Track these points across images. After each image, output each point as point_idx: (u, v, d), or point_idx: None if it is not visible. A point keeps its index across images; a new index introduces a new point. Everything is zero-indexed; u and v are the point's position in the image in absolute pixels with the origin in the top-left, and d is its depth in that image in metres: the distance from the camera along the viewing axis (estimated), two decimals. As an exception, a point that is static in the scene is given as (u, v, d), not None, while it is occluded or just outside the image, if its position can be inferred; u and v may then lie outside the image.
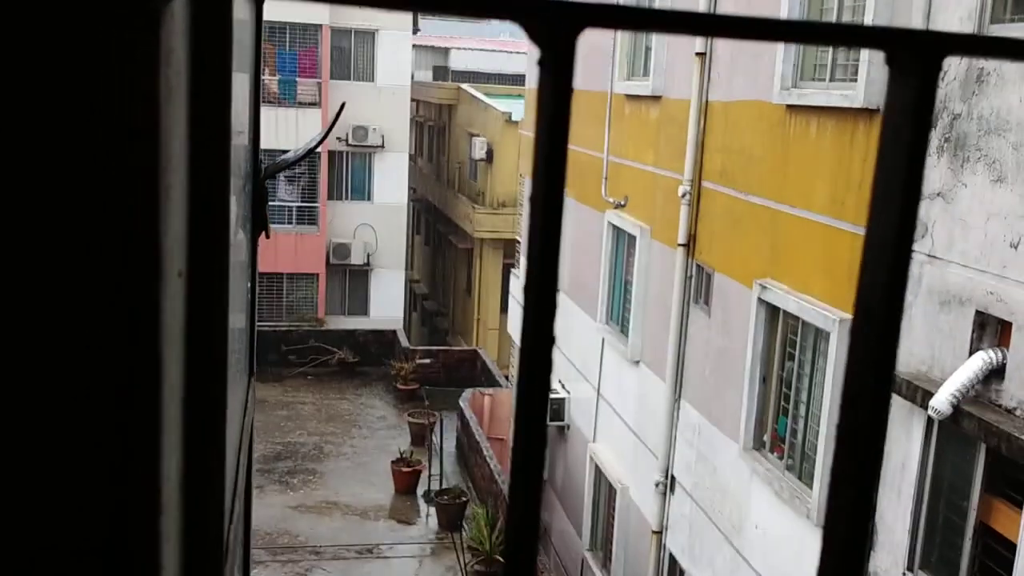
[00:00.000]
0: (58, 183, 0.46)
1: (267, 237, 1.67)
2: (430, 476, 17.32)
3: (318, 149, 24.74)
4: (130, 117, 0.46)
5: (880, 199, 0.54)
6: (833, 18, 7.97)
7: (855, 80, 7.48)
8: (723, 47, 9.78)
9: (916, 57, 0.53)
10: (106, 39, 0.45)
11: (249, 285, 1.59)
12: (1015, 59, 0.56)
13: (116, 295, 0.47)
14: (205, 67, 0.64)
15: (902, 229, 0.54)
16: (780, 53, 8.44)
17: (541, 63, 0.50)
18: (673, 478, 10.80)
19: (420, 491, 17.47)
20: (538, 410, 0.54)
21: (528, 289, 0.52)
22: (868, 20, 7.18)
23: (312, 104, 25.02)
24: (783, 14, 8.38)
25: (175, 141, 0.58)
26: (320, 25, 24.98)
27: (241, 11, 1.29)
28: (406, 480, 17.45)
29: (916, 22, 6.64)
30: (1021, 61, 0.59)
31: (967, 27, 6.21)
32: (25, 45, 0.44)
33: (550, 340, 0.53)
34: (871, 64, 7.14)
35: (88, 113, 0.45)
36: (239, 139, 1.46)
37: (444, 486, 16.99)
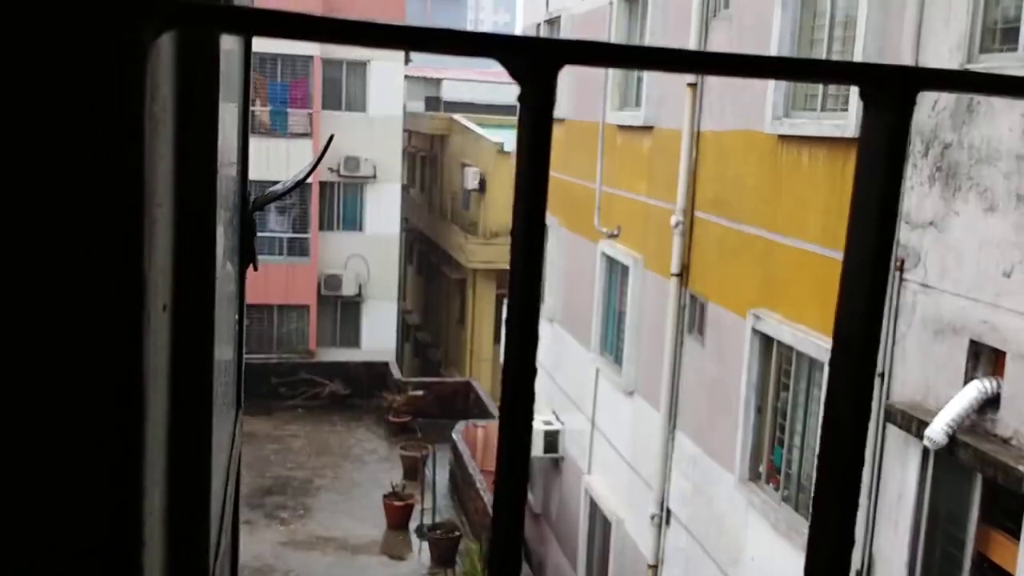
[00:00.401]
0: (41, 216, 0.46)
1: (255, 269, 1.67)
2: (423, 510, 17.18)
3: (308, 180, 24.81)
4: (115, 151, 0.46)
5: (856, 232, 0.55)
6: (824, 48, 8.06)
7: (846, 110, 7.55)
8: (714, 78, 9.87)
9: (890, 92, 0.54)
10: (92, 74, 0.45)
11: (237, 317, 1.59)
12: (988, 94, 0.57)
13: (99, 329, 0.47)
14: (192, 102, 0.64)
15: (877, 261, 0.55)
16: (771, 83, 8.52)
17: (521, 99, 0.51)
18: (669, 510, 10.74)
19: (413, 526, 17.32)
20: (521, 438, 0.54)
21: (509, 320, 0.53)
22: (858, 49, 7.26)
23: (303, 135, 25.11)
24: (773, 44, 8.47)
25: (161, 174, 0.59)
26: (312, 56, 25.12)
27: (229, 42, 1.30)
28: (398, 514, 17.30)
29: (906, 51, 6.72)
30: (994, 95, 0.60)
31: (956, 57, 6.27)
32: (10, 78, 0.44)
33: (532, 370, 0.53)
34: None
35: (73, 147, 0.46)
36: (227, 170, 1.47)
37: (437, 520, 16.85)
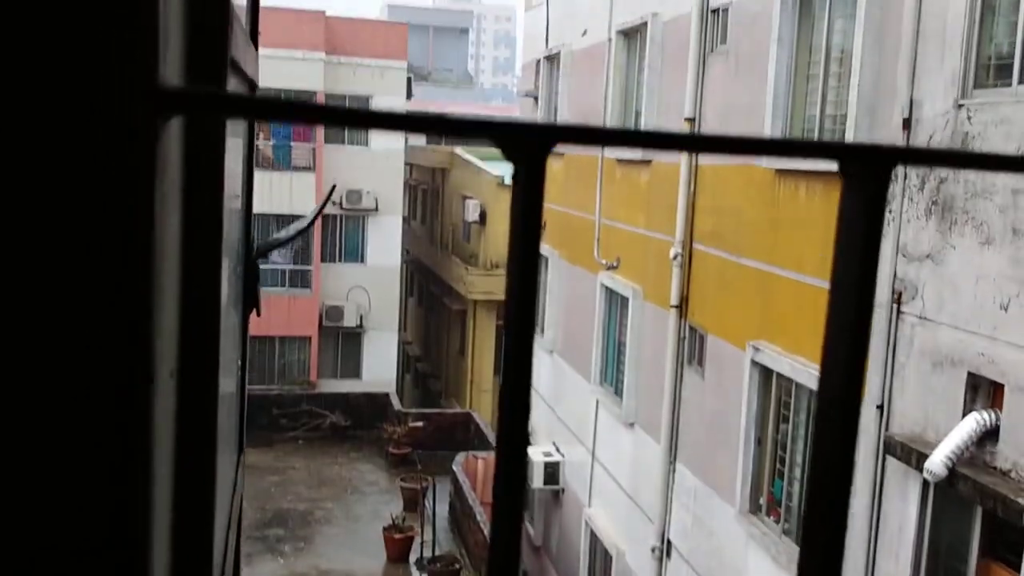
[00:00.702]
0: (59, 290, 0.48)
1: (258, 315, 1.70)
2: (423, 542, 17.07)
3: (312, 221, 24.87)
4: (127, 229, 0.48)
5: (836, 303, 0.57)
6: (819, 83, 8.13)
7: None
8: (712, 112, 9.95)
9: (866, 168, 0.56)
10: (103, 160, 0.47)
11: (239, 363, 1.61)
12: (961, 168, 0.59)
13: (109, 400, 0.49)
14: (199, 174, 0.67)
15: (857, 332, 0.57)
16: (768, 118, 8.59)
17: (514, 178, 0.53)
18: (669, 543, 10.68)
19: (413, 558, 17.19)
20: (518, 472, 0.56)
21: (503, 397, 0.55)
22: (854, 84, 7.33)
23: (306, 168, 25.25)
24: (770, 78, 8.55)
25: (168, 246, 0.61)
26: (315, 92, 25.33)
27: (235, 88, 1.34)
28: (398, 547, 17.19)
29: (901, 87, 6.78)
30: (968, 169, 0.63)
31: (951, 92, 6.33)
32: (29, 153, 0.47)
33: (525, 441, 0.56)
34: (858, 129, 7.27)
35: (84, 230, 0.48)
36: (232, 215, 1.49)
37: (437, 553, 16.74)
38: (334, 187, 3.53)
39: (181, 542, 0.72)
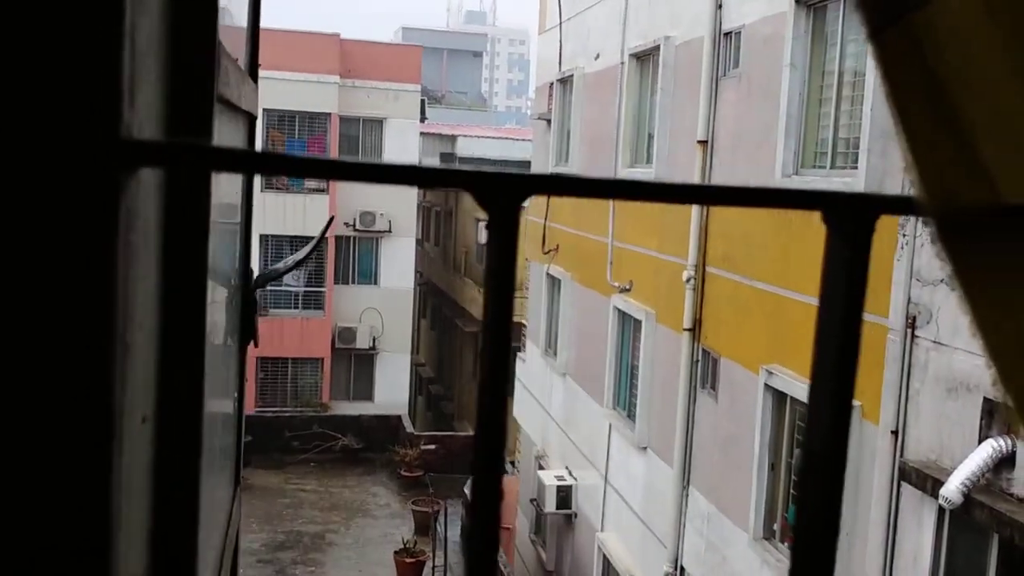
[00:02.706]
0: (12, 344, 0.47)
1: (256, 346, 1.69)
2: (434, 567, 16.99)
3: (323, 238, 24.98)
4: (83, 281, 0.47)
5: (821, 355, 0.56)
6: (832, 107, 8.12)
7: (856, 168, 7.58)
8: (724, 135, 9.95)
9: (850, 218, 0.55)
10: (61, 213, 0.47)
11: (236, 395, 1.60)
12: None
13: (64, 452, 0.48)
14: (182, 220, 0.66)
15: (841, 378, 0.55)
16: (781, 140, 8.59)
17: (488, 227, 0.53)
18: (683, 568, 10.58)
19: (425, 581, 17.11)
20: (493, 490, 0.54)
21: (476, 443, 0.54)
22: (867, 110, 7.31)
23: (319, 191, 25.37)
24: (783, 103, 8.54)
25: (141, 293, 0.60)
26: (329, 114, 25.50)
27: (228, 132, 1.34)
28: (409, 571, 17.11)
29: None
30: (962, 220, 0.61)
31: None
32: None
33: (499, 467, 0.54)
34: (871, 152, 7.24)
35: (38, 275, 0.47)
36: (229, 247, 1.49)
37: (449, 576, 16.65)
38: (332, 218, 3.55)
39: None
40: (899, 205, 0.55)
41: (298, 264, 2.74)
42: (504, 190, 0.52)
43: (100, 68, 0.46)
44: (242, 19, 1.69)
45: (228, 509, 1.41)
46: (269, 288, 25.05)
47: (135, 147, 0.48)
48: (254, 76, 1.61)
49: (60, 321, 0.47)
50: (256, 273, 1.69)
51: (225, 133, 1.12)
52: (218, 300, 1.29)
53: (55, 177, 0.47)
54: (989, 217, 0.53)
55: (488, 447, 0.54)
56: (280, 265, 2.49)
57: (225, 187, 1.35)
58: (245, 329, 1.55)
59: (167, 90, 0.68)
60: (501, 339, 0.55)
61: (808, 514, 0.58)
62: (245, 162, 0.49)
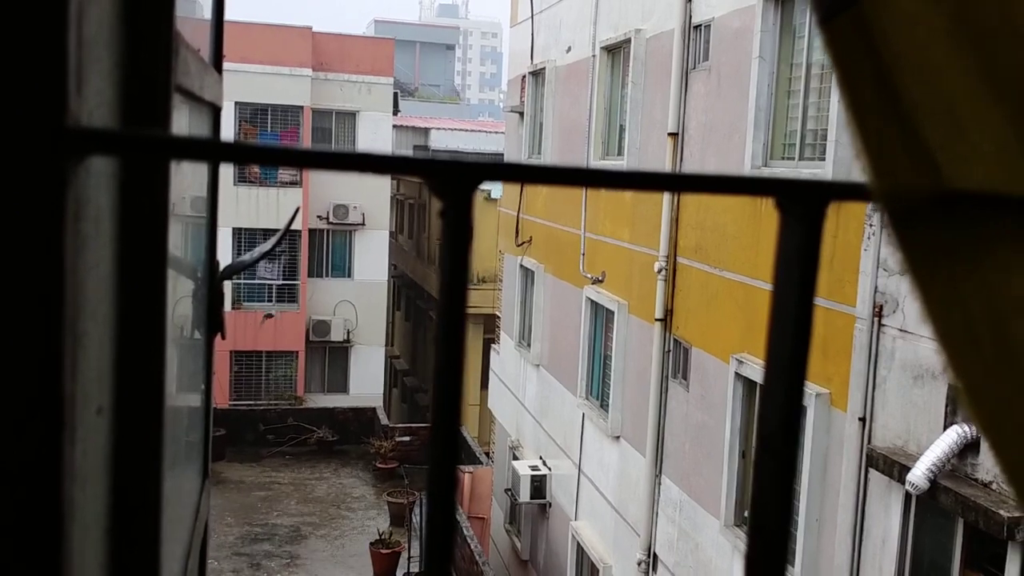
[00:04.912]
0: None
1: (223, 338, 1.68)
2: (410, 558, 17.00)
3: (297, 226, 24.84)
4: (29, 270, 0.47)
5: (774, 339, 0.57)
6: (800, 98, 8.18)
7: (823, 159, 7.65)
8: (695, 127, 9.99)
9: (802, 203, 0.56)
10: (5, 196, 0.46)
11: (204, 387, 1.59)
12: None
13: (13, 440, 0.47)
14: (138, 207, 0.66)
15: (794, 365, 0.56)
16: (750, 132, 8.64)
17: (442, 215, 0.53)
18: (655, 556, 10.66)
19: (400, 573, 17.11)
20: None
21: (432, 433, 0.54)
22: (834, 101, 7.38)
23: (293, 183, 25.22)
24: (751, 95, 8.59)
25: (93, 281, 0.60)
26: (301, 107, 25.33)
27: (195, 124, 1.32)
28: (385, 562, 17.11)
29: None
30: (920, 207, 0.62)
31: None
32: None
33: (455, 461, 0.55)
34: (838, 144, 7.31)
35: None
36: (194, 238, 1.48)
37: (424, 568, 16.65)
38: (297, 209, 3.53)
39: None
40: (850, 191, 0.56)
41: (265, 255, 2.72)
42: (457, 177, 0.52)
43: (43, 55, 0.45)
44: (206, 10, 1.67)
45: (196, 502, 1.40)
46: (243, 281, 24.88)
47: (82, 135, 0.47)
48: (218, 67, 1.59)
49: (6, 309, 0.46)
50: (223, 265, 1.68)
51: (186, 124, 1.11)
52: (183, 291, 1.28)
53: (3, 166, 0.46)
54: (934, 204, 0.54)
55: (445, 434, 0.54)
56: (247, 256, 2.48)
57: (189, 177, 1.34)
58: (212, 321, 1.54)
59: (121, 79, 0.68)
60: (455, 326, 0.55)
61: (762, 490, 0.58)
62: (194, 150, 0.49)
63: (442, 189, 0.52)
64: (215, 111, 1.47)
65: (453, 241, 0.53)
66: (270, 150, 0.50)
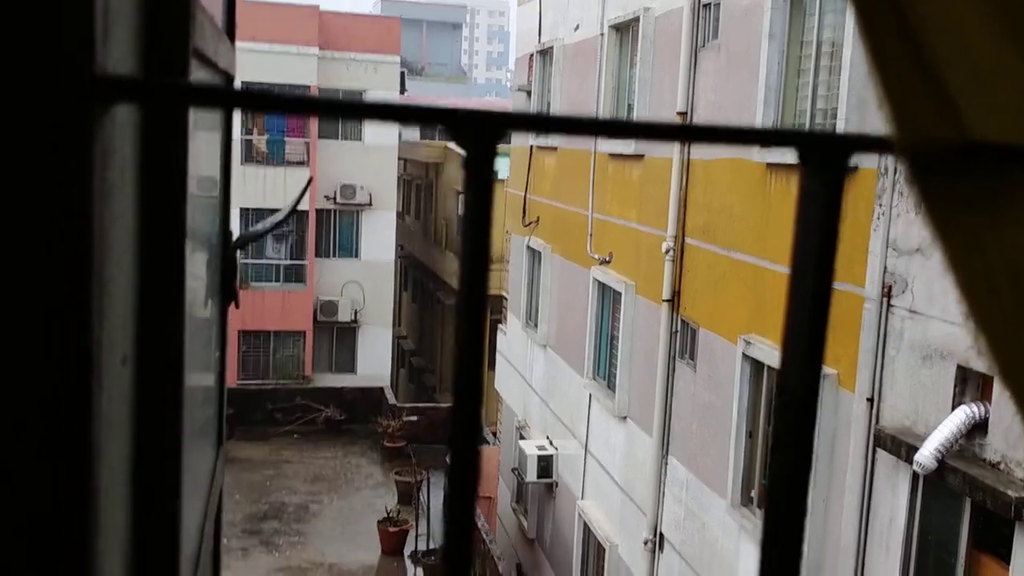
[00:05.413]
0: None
1: (236, 307, 1.69)
2: (417, 535, 17.10)
3: (304, 207, 24.84)
4: (57, 224, 0.47)
5: (795, 288, 0.57)
6: (810, 77, 8.13)
7: (832, 138, 7.60)
8: (704, 106, 9.95)
9: (824, 156, 0.56)
10: (33, 148, 0.47)
11: (218, 354, 1.60)
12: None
13: (44, 389, 0.48)
14: (159, 159, 0.66)
15: (815, 319, 0.56)
16: (760, 110, 8.60)
17: (465, 164, 0.53)
18: (662, 535, 10.70)
19: (407, 551, 17.23)
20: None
21: (456, 375, 0.55)
22: (844, 79, 7.33)
23: (300, 163, 25.20)
24: (761, 73, 8.55)
25: (118, 231, 0.60)
26: (308, 86, 25.28)
27: (211, 77, 1.33)
28: (393, 540, 17.22)
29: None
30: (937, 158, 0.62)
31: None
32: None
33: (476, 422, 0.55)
34: (848, 122, 7.27)
35: (11, 217, 0.47)
36: (208, 207, 1.48)
37: (432, 546, 16.77)
38: (311, 179, 3.52)
39: (143, 538, 0.71)
40: (872, 144, 0.56)
41: (277, 225, 2.73)
42: (481, 127, 0.52)
43: (73, 4, 0.46)
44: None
45: (211, 468, 1.41)
46: (251, 261, 24.92)
47: (109, 82, 0.47)
48: (231, 37, 1.59)
49: (38, 253, 0.47)
50: (236, 234, 1.69)
51: (209, 74, 1.12)
52: (198, 259, 1.29)
53: (29, 112, 0.47)
54: (956, 155, 0.54)
55: (466, 388, 0.54)
56: (259, 226, 2.48)
57: (203, 146, 1.34)
58: (226, 290, 1.55)
59: (142, 33, 0.68)
60: (479, 277, 0.55)
61: (782, 447, 0.59)
62: (219, 98, 0.49)
63: (466, 139, 0.52)
64: (228, 80, 1.47)
65: (477, 192, 0.53)
66: (288, 98, 0.50)
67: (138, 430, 0.68)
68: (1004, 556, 5.79)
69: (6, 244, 0.47)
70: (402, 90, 27.22)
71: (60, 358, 0.47)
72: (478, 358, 0.52)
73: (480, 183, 0.53)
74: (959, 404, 6.02)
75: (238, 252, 1.71)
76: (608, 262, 12.29)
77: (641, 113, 11.40)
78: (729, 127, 0.55)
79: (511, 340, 17.05)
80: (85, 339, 0.48)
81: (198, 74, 1.03)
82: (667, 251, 10.37)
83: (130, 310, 0.65)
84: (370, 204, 26.27)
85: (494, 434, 20.93)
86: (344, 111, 0.52)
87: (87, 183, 0.46)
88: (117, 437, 0.62)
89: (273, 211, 24.43)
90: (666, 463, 10.62)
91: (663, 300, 10.50)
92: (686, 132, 0.55)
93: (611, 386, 12.33)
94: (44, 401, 0.47)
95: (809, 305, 0.58)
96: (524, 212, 15.72)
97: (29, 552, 0.49)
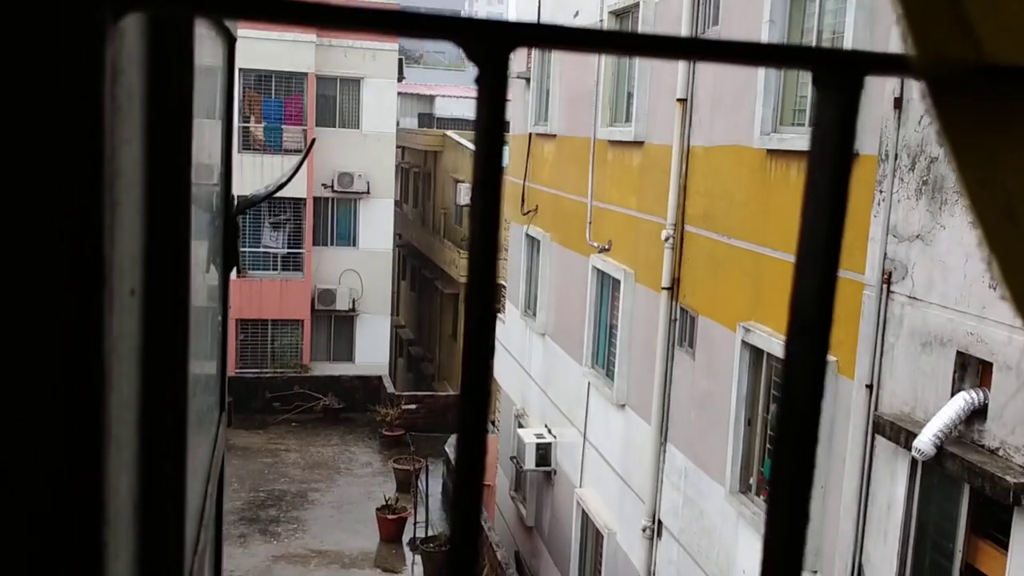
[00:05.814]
0: None
1: (239, 273, 1.68)
2: (415, 523, 17.14)
3: (302, 194, 24.81)
4: (69, 134, 0.47)
5: (809, 217, 0.56)
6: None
7: (833, 125, 7.59)
8: (704, 93, 9.93)
9: (839, 75, 0.55)
10: (46, 57, 0.46)
11: (220, 319, 1.59)
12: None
13: (55, 306, 0.48)
14: (164, 90, 0.65)
15: (829, 244, 0.56)
16: (760, 98, 8.58)
17: (478, 80, 0.52)
18: (660, 523, 10.73)
19: (406, 539, 17.26)
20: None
21: (468, 301, 0.54)
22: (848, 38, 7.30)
23: (298, 151, 25.15)
24: (760, 76, 8.51)
25: (126, 158, 0.60)
26: (306, 73, 25.21)
27: (211, 39, 1.32)
28: (391, 527, 17.25)
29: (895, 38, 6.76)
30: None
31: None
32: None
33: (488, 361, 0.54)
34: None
35: (27, 128, 0.47)
36: (209, 173, 1.48)
37: (430, 533, 16.81)
38: (313, 140, 3.51)
39: (151, 471, 0.70)
40: (888, 63, 0.55)
41: (279, 187, 2.72)
42: (494, 39, 0.51)
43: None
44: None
45: (214, 432, 1.41)
46: (248, 250, 24.89)
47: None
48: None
49: (50, 160, 0.46)
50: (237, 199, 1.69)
51: (206, 50, 1.11)
52: (201, 223, 1.28)
53: (41, 19, 0.46)
54: (974, 76, 0.53)
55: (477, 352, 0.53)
56: (261, 190, 2.47)
57: (205, 131, 1.34)
58: (228, 255, 1.54)
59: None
60: (492, 202, 0.54)
61: (793, 384, 0.58)
62: (225, 5, 0.48)
63: (478, 52, 0.51)
64: (231, 42, 1.46)
65: (489, 107, 0.52)
66: (307, 7, 0.49)
67: (146, 366, 0.68)
68: (1002, 542, 5.80)
69: (20, 161, 0.46)
70: (400, 77, 27.16)
71: (74, 273, 0.47)
72: (493, 274, 0.52)
73: (492, 99, 0.52)
74: (958, 390, 6.02)
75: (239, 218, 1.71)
76: (607, 250, 12.28)
77: (641, 100, 11.37)
78: (742, 42, 0.54)
79: (509, 328, 17.06)
80: (98, 253, 0.47)
81: (201, 32, 1.02)
82: (667, 239, 10.36)
83: (138, 244, 0.65)
84: (368, 192, 26.23)
85: (493, 422, 20.94)
86: (349, 20, 0.51)
87: (98, 93, 0.46)
88: (127, 371, 0.61)
89: (272, 199, 24.41)
90: (665, 451, 10.63)
91: (662, 288, 10.49)
92: (696, 47, 0.54)
93: (610, 374, 12.34)
94: (57, 317, 0.46)
95: (824, 230, 0.57)
96: (523, 200, 15.69)
97: (46, 482, 0.49)
